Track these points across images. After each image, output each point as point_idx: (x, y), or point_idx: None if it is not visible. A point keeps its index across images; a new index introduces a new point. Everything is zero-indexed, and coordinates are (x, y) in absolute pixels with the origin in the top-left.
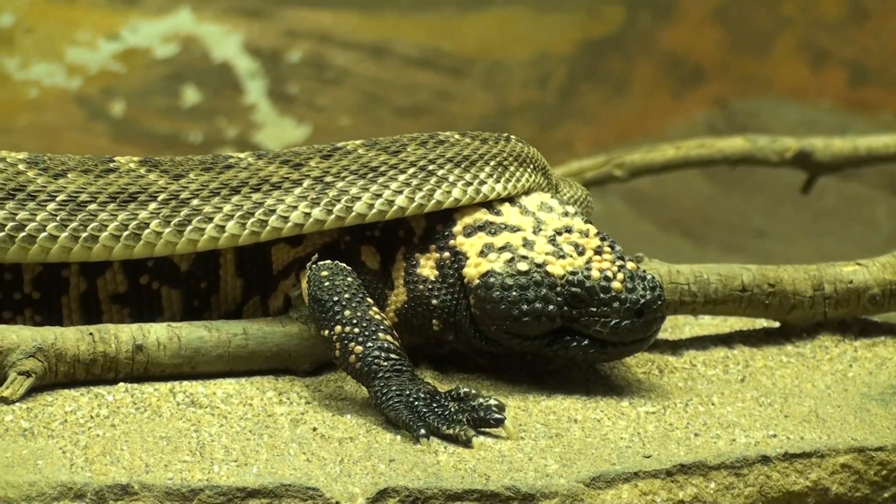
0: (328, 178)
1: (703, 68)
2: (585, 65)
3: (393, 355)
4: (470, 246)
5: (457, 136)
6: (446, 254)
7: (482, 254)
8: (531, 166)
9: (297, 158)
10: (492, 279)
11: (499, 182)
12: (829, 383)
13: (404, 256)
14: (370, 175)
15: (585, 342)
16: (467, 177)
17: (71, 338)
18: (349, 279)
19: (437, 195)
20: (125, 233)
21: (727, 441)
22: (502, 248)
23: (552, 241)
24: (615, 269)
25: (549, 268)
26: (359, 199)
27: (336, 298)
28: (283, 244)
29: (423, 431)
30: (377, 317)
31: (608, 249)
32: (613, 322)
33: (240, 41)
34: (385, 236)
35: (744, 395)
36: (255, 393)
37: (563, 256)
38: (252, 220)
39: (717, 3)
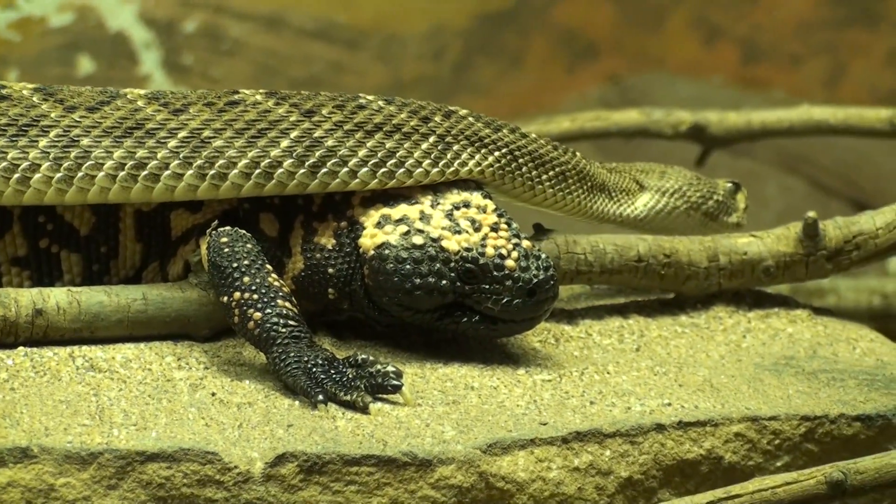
0: (448, 139)
1: (597, 43)
2: (480, 39)
3: (291, 322)
4: (367, 216)
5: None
6: (344, 223)
7: (379, 225)
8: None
9: (423, 112)
10: (386, 251)
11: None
12: (723, 353)
13: (302, 224)
14: (477, 144)
15: (476, 318)
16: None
17: None
18: (248, 245)
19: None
20: (256, 171)
21: (622, 409)
22: (399, 221)
23: (449, 215)
24: (510, 246)
25: (444, 243)
26: (466, 165)
27: (235, 265)
28: (183, 210)
29: (320, 397)
30: (276, 283)
31: (504, 227)
32: (505, 300)
33: (135, 11)
34: (284, 204)
35: (639, 364)
36: (154, 358)
37: (458, 232)
38: (383, 169)
39: None
